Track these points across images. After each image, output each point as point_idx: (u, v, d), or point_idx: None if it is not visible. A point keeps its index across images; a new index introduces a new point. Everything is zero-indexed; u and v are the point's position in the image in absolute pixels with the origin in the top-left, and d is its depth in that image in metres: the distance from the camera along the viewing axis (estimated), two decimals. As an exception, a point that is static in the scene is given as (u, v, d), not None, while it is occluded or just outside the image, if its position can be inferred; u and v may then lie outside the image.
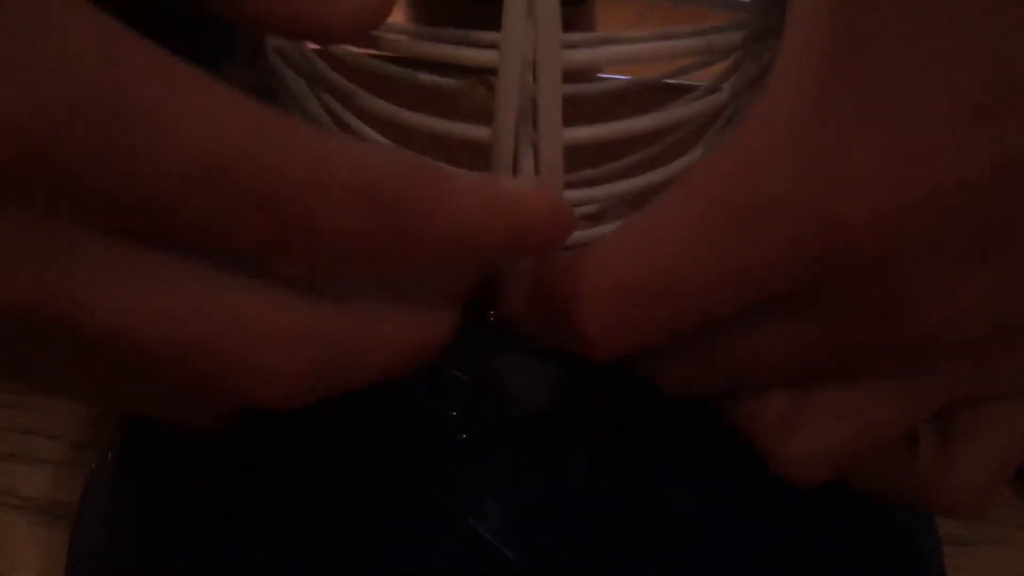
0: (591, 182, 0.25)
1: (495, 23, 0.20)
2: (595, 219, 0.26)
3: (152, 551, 0.25)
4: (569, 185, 0.22)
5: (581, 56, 0.20)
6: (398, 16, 0.52)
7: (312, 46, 0.24)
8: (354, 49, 0.23)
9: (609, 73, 0.33)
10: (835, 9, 0.18)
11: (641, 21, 1.29)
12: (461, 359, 0.27)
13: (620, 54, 0.21)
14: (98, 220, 0.17)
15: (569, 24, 0.21)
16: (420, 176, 0.18)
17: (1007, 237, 0.18)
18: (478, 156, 0.22)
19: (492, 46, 0.20)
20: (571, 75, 0.20)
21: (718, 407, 0.23)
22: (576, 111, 0.22)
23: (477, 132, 0.21)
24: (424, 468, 0.27)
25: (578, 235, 0.21)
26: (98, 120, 0.15)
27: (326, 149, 0.17)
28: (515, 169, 0.21)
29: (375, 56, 0.23)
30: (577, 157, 0.22)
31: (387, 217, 0.17)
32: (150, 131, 0.16)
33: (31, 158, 0.15)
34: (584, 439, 0.28)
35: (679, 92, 0.26)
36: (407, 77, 0.22)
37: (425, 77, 0.22)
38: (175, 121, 0.16)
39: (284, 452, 0.26)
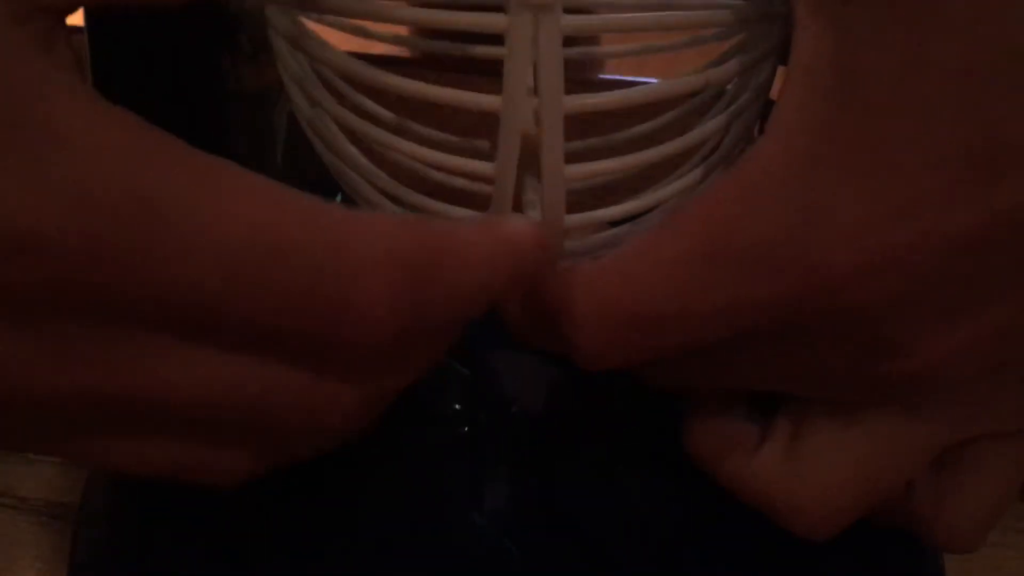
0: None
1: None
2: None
3: (154, 548, 0.25)
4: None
5: (583, 101, 0.21)
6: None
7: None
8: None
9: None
10: (833, 63, 0.18)
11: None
12: (463, 353, 0.27)
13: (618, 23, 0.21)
14: (144, 319, 0.17)
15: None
16: (432, 239, 0.18)
17: (989, 290, 0.19)
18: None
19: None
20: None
21: (698, 461, 0.24)
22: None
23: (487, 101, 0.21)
24: (425, 461, 0.27)
25: (580, 217, 0.22)
26: (128, 228, 0.16)
27: (345, 227, 0.18)
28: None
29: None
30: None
31: (408, 286, 0.18)
32: (183, 232, 0.16)
33: (68, 273, 0.16)
34: (584, 435, 0.28)
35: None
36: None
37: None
38: (206, 220, 0.16)
39: None
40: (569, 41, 0.20)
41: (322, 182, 0.23)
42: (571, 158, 0.21)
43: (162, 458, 0.20)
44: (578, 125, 0.23)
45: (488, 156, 0.22)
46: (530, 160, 0.21)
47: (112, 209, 0.16)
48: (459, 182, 0.24)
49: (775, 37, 0.22)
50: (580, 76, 0.30)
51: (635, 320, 0.20)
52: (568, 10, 0.20)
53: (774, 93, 0.21)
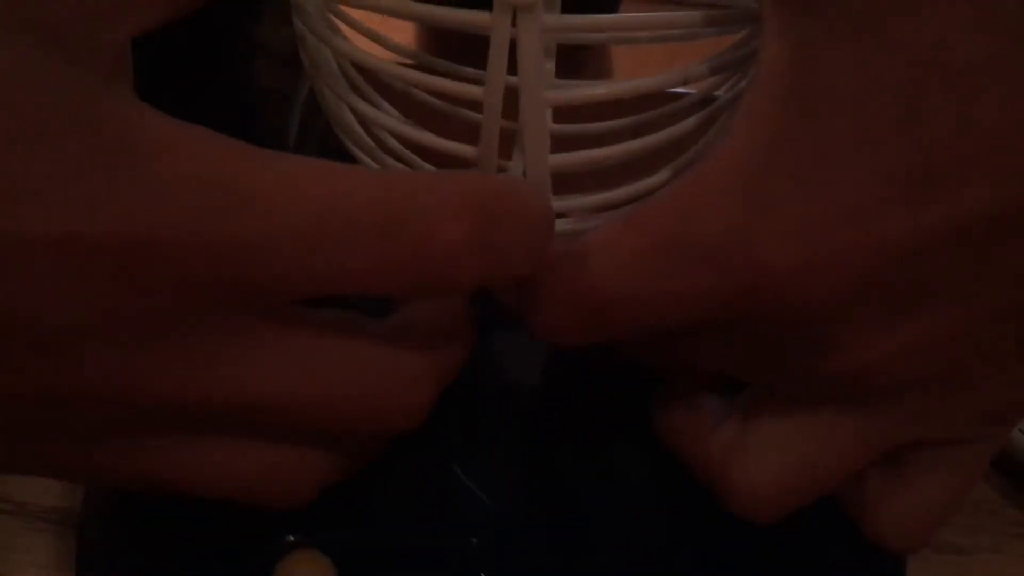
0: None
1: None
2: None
3: (156, 550, 0.26)
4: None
5: (565, 94, 0.22)
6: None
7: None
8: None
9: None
10: (790, 72, 0.19)
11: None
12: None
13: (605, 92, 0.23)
14: (234, 304, 0.19)
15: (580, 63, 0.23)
16: (496, 186, 0.20)
17: (924, 298, 0.20)
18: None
19: (478, 81, 0.22)
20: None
21: (663, 438, 0.25)
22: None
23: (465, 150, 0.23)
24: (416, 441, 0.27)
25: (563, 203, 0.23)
26: (226, 219, 0.18)
27: (414, 181, 0.20)
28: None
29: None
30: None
31: (483, 226, 0.20)
32: (271, 215, 0.18)
33: (184, 269, 0.18)
34: (577, 422, 0.28)
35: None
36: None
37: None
38: (285, 200, 0.18)
39: None
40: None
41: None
42: (558, 145, 0.23)
43: (248, 466, 0.22)
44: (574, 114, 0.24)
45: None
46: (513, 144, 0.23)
47: (214, 205, 0.18)
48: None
49: (757, 41, 0.22)
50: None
51: (589, 302, 0.21)
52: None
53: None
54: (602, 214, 0.24)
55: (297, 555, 0.25)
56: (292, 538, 0.26)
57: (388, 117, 0.24)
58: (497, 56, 0.21)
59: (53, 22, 0.18)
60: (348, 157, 0.25)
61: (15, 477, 0.30)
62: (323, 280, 0.19)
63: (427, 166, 0.25)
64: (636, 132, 0.24)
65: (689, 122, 0.24)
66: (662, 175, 0.24)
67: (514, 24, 0.21)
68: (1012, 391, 0.23)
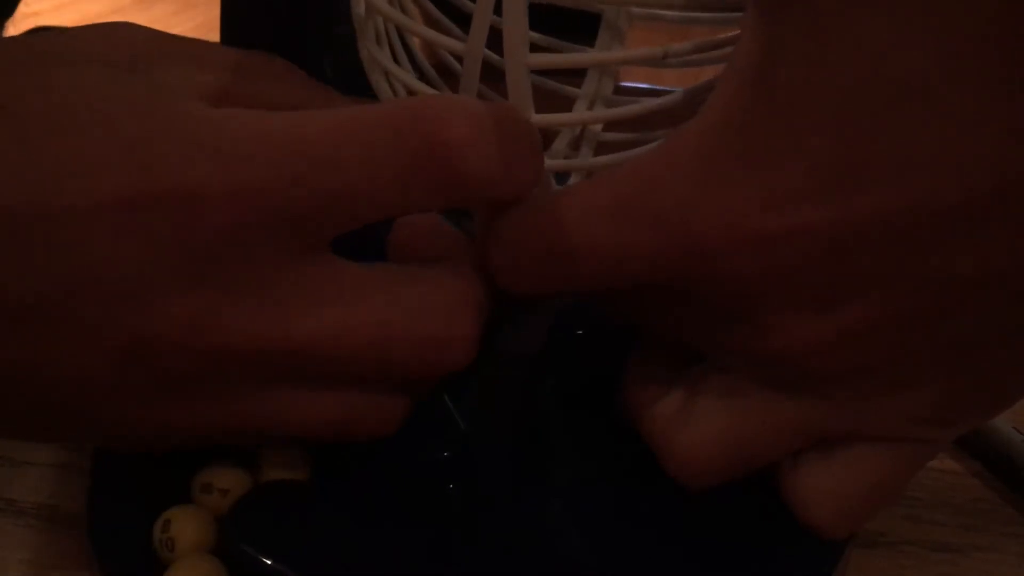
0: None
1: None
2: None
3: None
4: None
5: (546, 58, 0.24)
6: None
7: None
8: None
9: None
10: (756, 66, 0.21)
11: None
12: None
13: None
14: (281, 244, 0.22)
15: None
16: (501, 107, 0.23)
17: (851, 290, 0.21)
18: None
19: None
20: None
21: (623, 403, 0.27)
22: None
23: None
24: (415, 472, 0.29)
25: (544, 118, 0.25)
26: (250, 161, 0.21)
27: (427, 100, 0.23)
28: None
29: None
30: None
31: (491, 128, 0.22)
32: (293, 151, 0.22)
33: (238, 210, 0.21)
34: (559, 377, 0.30)
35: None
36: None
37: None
38: (300, 139, 0.22)
39: None
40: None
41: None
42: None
43: (334, 408, 0.24)
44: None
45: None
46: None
47: (245, 154, 0.21)
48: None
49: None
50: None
51: (547, 248, 0.23)
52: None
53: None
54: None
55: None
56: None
57: (405, 72, 0.26)
58: (481, 15, 0.23)
59: None
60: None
61: (6, 475, 0.30)
62: (350, 198, 0.22)
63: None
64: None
65: (676, 96, 0.25)
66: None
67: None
68: (950, 397, 0.23)
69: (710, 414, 0.25)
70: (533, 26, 0.23)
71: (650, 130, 0.28)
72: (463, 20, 0.25)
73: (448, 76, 0.28)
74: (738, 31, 0.24)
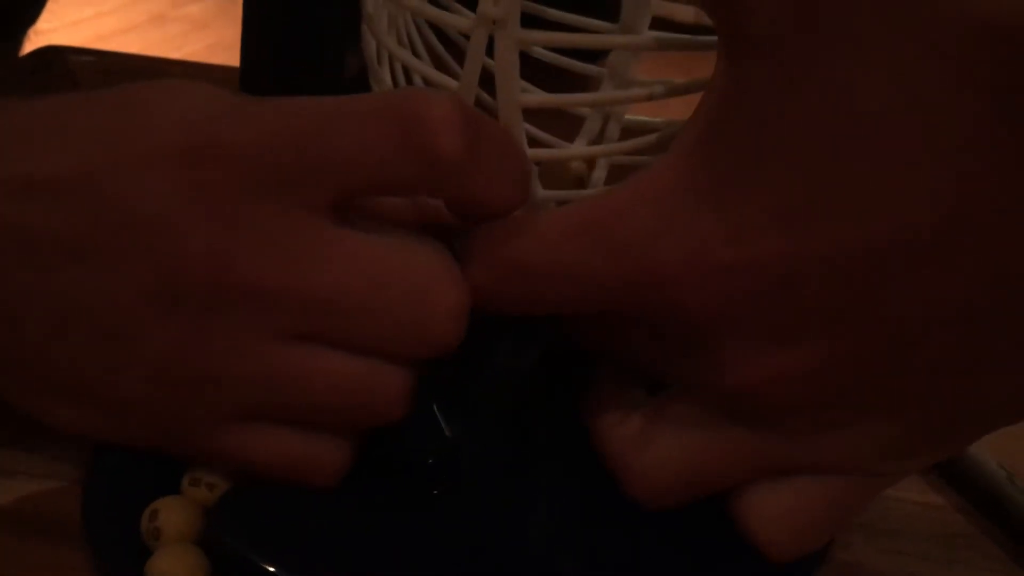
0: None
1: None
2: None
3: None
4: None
5: (536, 98, 0.25)
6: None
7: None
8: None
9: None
10: (724, 106, 0.22)
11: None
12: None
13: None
14: (285, 199, 0.24)
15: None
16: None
17: (802, 328, 0.22)
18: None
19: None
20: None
21: (584, 418, 0.28)
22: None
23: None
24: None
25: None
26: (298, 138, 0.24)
27: (406, 92, 0.26)
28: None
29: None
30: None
31: (464, 115, 0.24)
32: (290, 121, 0.24)
33: (245, 163, 0.24)
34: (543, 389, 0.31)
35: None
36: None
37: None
38: (334, 119, 0.24)
39: None
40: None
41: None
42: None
43: (278, 448, 0.26)
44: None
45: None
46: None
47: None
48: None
49: None
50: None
51: (515, 269, 0.24)
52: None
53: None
54: None
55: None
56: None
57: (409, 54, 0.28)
58: (473, 60, 0.24)
59: None
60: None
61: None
62: (340, 164, 0.24)
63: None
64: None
65: (650, 137, 0.27)
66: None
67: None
68: (905, 432, 0.24)
69: (668, 442, 0.25)
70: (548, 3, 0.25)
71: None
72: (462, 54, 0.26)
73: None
74: None
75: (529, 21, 0.24)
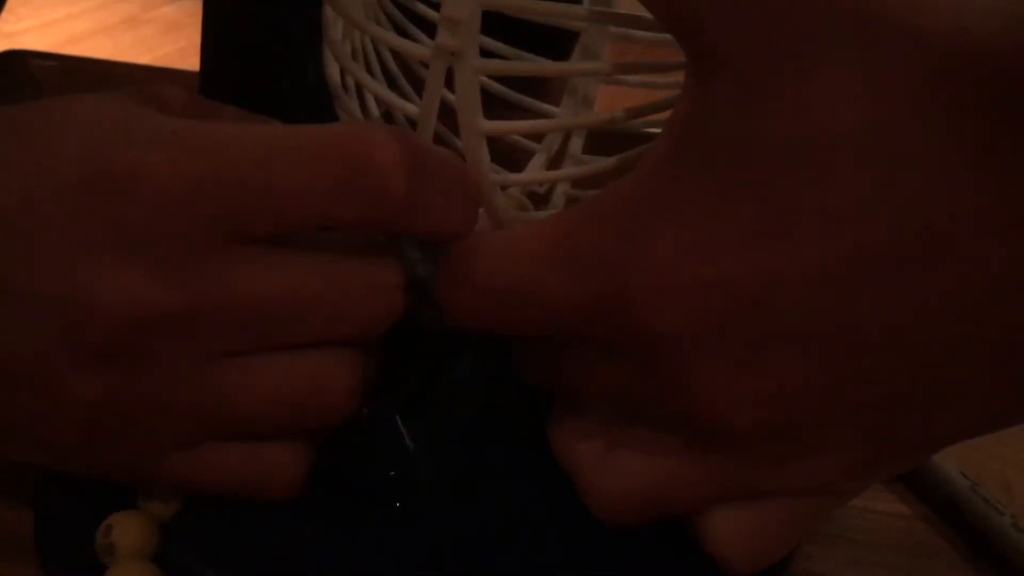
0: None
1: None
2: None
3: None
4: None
5: (497, 124, 0.25)
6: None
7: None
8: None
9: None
10: (691, 125, 0.22)
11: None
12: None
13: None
14: (225, 232, 0.23)
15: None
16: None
17: (771, 350, 0.22)
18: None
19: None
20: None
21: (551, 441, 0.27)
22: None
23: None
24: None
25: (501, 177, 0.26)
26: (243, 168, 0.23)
27: (355, 128, 0.24)
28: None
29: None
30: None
31: (411, 151, 0.23)
32: (232, 153, 0.23)
33: (183, 199, 0.23)
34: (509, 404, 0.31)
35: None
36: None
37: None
38: (274, 152, 0.23)
39: None
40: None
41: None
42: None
43: (232, 465, 0.26)
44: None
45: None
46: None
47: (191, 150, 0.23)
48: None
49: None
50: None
51: (483, 288, 0.24)
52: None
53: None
54: None
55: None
56: None
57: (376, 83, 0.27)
58: (433, 91, 0.25)
59: None
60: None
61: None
62: (276, 199, 0.23)
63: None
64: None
65: (609, 162, 0.27)
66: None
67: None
68: (869, 457, 0.24)
69: (631, 466, 0.25)
70: (495, 35, 0.25)
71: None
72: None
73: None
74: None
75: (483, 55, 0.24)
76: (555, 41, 0.35)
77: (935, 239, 0.20)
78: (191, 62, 0.29)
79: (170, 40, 2.12)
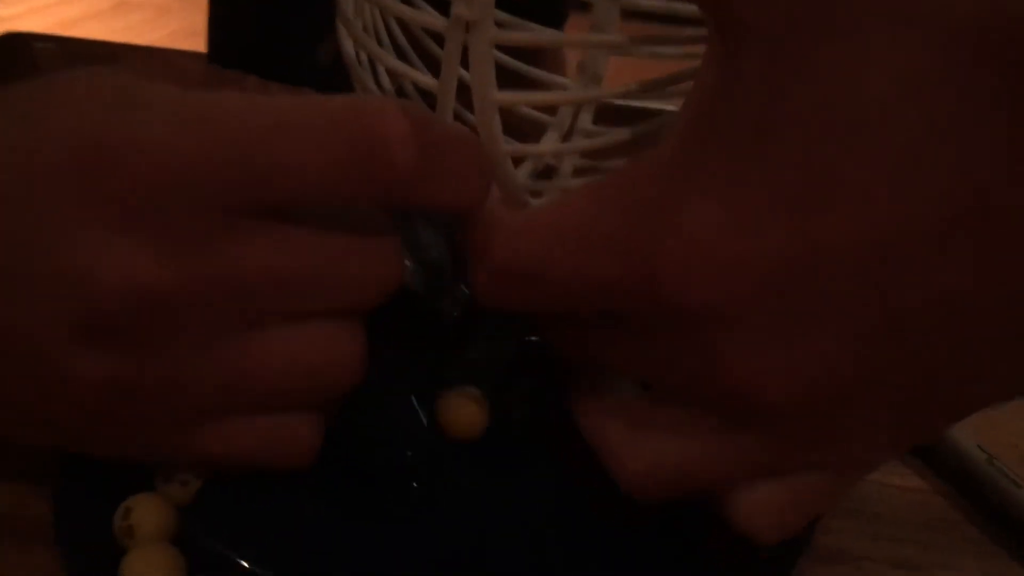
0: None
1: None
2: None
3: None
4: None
5: (511, 96, 0.25)
6: None
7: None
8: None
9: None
10: (714, 100, 0.21)
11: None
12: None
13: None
14: (229, 205, 0.23)
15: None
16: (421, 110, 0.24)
17: (807, 321, 0.21)
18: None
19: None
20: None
21: (578, 422, 0.27)
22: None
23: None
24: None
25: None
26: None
27: (359, 101, 0.24)
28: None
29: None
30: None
31: (416, 126, 0.23)
32: (238, 125, 0.23)
33: (187, 174, 0.22)
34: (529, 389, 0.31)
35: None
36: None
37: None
38: (279, 125, 0.23)
39: None
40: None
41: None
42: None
43: (250, 438, 0.25)
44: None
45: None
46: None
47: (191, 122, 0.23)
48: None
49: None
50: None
51: (510, 269, 0.24)
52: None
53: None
54: None
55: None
56: None
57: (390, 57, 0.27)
58: (451, 61, 0.24)
59: None
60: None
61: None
62: (279, 173, 0.22)
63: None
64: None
65: (621, 133, 0.27)
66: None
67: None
68: (903, 431, 0.24)
69: (662, 442, 0.25)
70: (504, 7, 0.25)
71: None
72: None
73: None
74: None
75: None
76: (547, 14, 0.35)
77: (971, 207, 0.20)
78: (183, 46, 0.29)
79: (161, 24, 2.11)
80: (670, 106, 0.31)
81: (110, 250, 0.22)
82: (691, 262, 0.21)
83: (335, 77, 0.30)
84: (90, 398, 0.24)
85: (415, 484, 0.28)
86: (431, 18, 0.24)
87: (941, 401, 0.23)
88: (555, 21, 0.63)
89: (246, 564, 0.25)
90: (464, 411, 0.29)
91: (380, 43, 0.30)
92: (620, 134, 0.27)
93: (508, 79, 0.30)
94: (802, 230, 0.20)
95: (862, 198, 0.20)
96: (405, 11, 0.25)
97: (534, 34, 0.26)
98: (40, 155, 0.23)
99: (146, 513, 0.26)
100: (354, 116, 0.23)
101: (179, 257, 0.23)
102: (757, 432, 0.24)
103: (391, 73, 0.28)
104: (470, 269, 0.25)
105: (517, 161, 0.27)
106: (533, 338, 0.31)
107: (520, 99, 0.25)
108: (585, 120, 0.35)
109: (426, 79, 0.26)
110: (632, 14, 0.33)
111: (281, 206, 0.23)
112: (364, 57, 0.29)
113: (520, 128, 0.31)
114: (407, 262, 0.28)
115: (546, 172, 0.34)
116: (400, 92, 0.30)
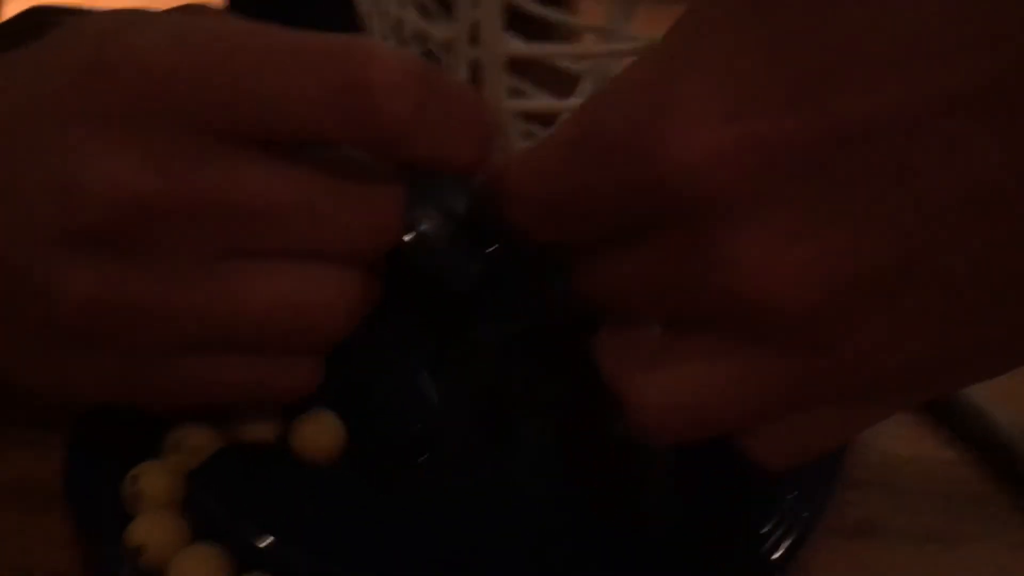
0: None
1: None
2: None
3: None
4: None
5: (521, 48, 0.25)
6: None
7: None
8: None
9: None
10: None
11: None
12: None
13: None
14: (222, 132, 0.23)
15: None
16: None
17: (823, 212, 0.19)
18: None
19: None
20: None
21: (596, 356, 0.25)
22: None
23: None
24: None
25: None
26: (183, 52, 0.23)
27: (359, 40, 0.23)
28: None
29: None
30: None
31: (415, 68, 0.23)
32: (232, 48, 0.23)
33: (182, 95, 0.23)
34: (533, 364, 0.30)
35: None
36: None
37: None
38: (268, 53, 0.23)
39: None
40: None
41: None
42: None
43: (242, 376, 0.25)
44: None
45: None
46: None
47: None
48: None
49: None
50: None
51: (526, 198, 0.23)
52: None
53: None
54: None
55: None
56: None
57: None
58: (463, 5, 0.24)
59: None
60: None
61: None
62: (263, 102, 0.23)
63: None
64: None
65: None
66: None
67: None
68: (931, 348, 0.21)
69: (682, 372, 0.23)
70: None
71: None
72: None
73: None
74: None
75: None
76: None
77: (997, 84, 0.18)
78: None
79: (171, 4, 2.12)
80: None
81: (99, 158, 0.23)
82: (692, 146, 0.20)
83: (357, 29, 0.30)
84: (76, 319, 0.24)
85: (421, 459, 0.28)
86: None
87: (972, 328, 0.21)
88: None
89: (251, 532, 0.25)
90: (320, 437, 0.28)
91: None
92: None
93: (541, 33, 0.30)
94: (818, 109, 0.19)
95: (879, 74, 0.18)
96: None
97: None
98: (50, 80, 0.24)
99: (153, 480, 0.26)
100: (343, 57, 0.23)
101: (166, 171, 0.23)
102: (776, 357, 0.22)
103: (404, 25, 0.27)
104: (497, 207, 0.24)
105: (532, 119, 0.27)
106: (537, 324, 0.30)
107: (530, 51, 0.25)
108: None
109: (439, 30, 0.25)
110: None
111: (272, 138, 0.23)
112: (375, 12, 0.29)
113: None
114: (425, 226, 0.27)
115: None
116: (428, 54, 0.29)
